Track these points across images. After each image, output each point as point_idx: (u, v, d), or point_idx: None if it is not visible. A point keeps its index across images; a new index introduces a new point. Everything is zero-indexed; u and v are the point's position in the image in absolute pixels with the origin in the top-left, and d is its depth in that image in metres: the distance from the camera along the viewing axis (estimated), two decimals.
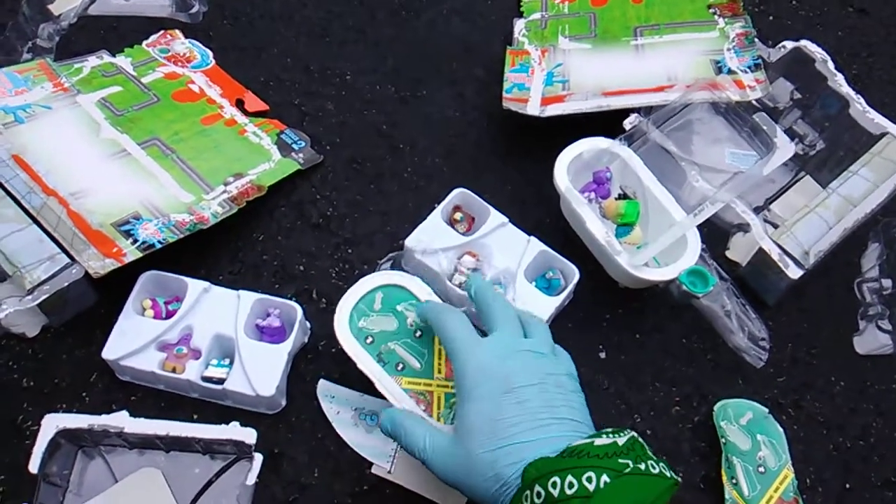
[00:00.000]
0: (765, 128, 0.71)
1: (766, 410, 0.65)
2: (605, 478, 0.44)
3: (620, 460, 0.45)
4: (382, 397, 0.59)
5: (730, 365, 0.69)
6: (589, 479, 0.44)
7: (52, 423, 0.58)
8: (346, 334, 0.60)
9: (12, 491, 0.59)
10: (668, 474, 0.46)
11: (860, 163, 0.72)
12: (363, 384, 0.65)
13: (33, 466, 0.56)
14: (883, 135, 0.73)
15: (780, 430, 0.65)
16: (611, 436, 0.47)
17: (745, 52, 0.76)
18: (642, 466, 0.45)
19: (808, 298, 0.73)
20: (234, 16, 0.88)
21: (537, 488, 0.45)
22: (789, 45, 0.78)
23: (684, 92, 0.71)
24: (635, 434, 0.49)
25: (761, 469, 0.62)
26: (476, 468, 0.48)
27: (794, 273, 0.67)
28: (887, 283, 0.72)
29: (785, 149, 0.71)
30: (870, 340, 0.71)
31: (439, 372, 0.60)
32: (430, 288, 0.63)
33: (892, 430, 0.68)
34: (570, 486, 0.44)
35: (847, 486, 0.65)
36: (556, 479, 0.45)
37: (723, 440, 0.63)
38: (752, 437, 0.64)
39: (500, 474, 0.48)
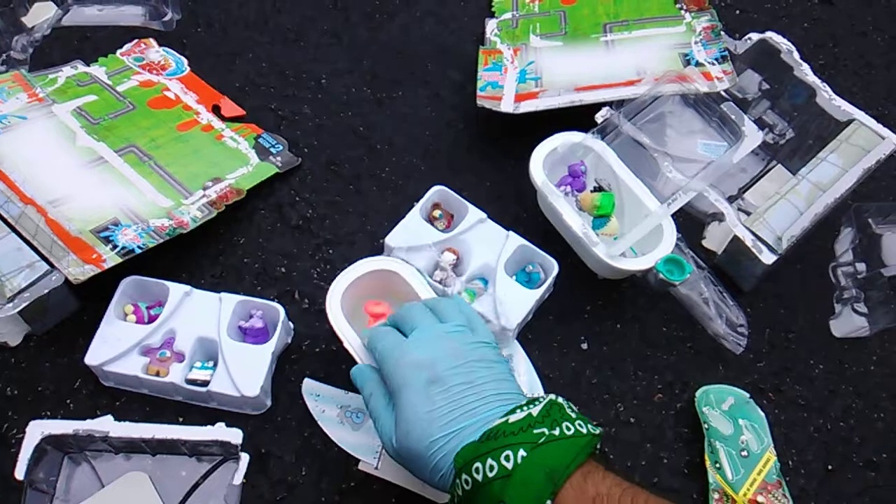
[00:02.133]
0: (733, 117, 0.72)
1: (748, 395, 0.66)
2: (521, 452, 0.46)
3: (535, 431, 0.47)
4: None
5: (709, 352, 0.70)
6: (507, 458, 0.46)
7: (38, 430, 0.57)
8: (337, 313, 0.61)
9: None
10: (584, 431, 0.48)
11: (828, 149, 0.74)
12: (348, 383, 0.65)
13: (19, 473, 0.56)
14: (850, 121, 0.75)
15: (762, 414, 0.65)
16: (525, 409, 0.49)
17: (712, 44, 0.78)
18: (556, 432, 0.47)
19: (784, 284, 0.74)
20: (208, 23, 0.88)
21: (464, 476, 0.48)
22: (755, 36, 0.80)
23: (653, 84, 0.73)
24: (553, 397, 0.51)
25: (744, 453, 0.63)
26: (417, 462, 0.50)
27: (768, 258, 0.68)
28: (861, 266, 0.73)
29: (753, 137, 0.72)
30: (846, 323, 0.72)
31: None
32: (424, 277, 0.64)
33: (872, 410, 0.69)
34: (491, 468, 0.46)
35: (829, 467, 0.66)
36: (478, 464, 0.47)
37: (705, 426, 0.64)
38: (734, 421, 0.65)
39: (438, 465, 0.49)
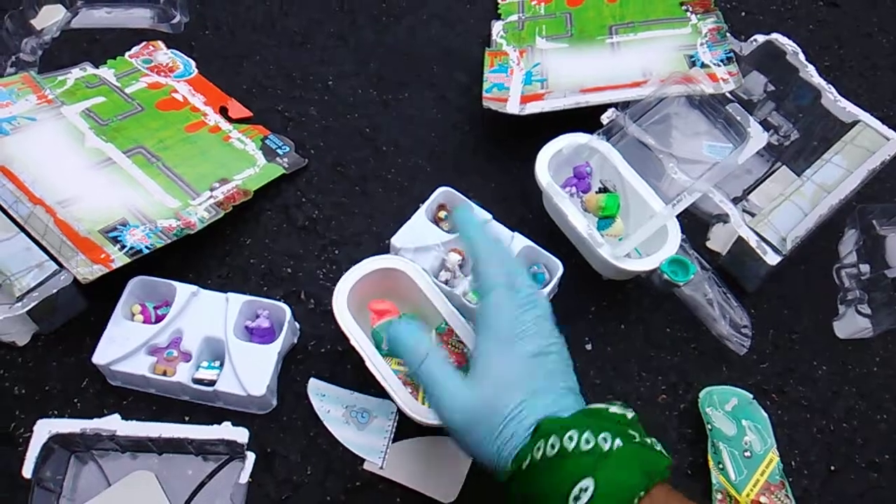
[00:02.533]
0: (738, 118, 0.73)
1: (751, 396, 0.66)
2: (618, 441, 0.46)
3: (630, 430, 0.48)
4: (373, 378, 0.60)
5: (713, 352, 0.70)
6: (605, 439, 0.46)
7: (45, 429, 0.58)
8: (344, 311, 0.61)
9: (6, 498, 0.59)
10: (665, 454, 0.48)
11: (833, 151, 0.74)
12: (353, 383, 0.66)
13: (27, 471, 0.56)
14: (854, 123, 0.75)
15: (765, 415, 0.66)
16: (622, 408, 0.50)
17: (718, 46, 0.78)
18: (648, 441, 0.48)
19: (787, 285, 0.75)
20: (216, 26, 0.89)
21: (552, 439, 0.47)
22: (761, 38, 0.80)
23: (659, 86, 0.73)
24: (636, 414, 0.51)
25: (747, 454, 0.63)
26: (490, 419, 0.49)
27: (773, 259, 0.68)
28: (865, 268, 0.73)
29: (758, 138, 0.72)
30: (849, 324, 0.72)
31: None
32: (430, 277, 0.64)
33: (875, 412, 0.69)
34: (587, 441, 0.46)
35: (832, 468, 0.66)
36: (574, 432, 0.46)
37: (709, 426, 0.65)
38: (737, 422, 0.65)
39: (512, 428, 0.49)
